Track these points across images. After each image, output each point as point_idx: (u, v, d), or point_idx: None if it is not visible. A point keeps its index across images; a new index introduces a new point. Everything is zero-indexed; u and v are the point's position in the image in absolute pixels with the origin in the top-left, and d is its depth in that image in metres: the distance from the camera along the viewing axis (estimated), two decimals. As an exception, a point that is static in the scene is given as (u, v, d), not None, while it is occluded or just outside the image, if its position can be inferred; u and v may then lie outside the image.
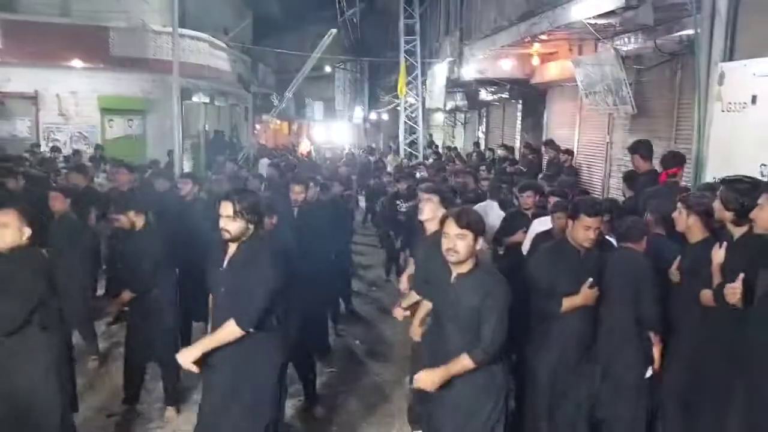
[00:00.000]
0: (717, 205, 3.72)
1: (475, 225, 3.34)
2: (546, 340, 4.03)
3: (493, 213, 6.70)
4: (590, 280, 3.91)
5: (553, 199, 6.02)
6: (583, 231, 3.89)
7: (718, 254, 3.61)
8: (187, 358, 3.46)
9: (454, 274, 3.40)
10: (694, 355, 3.82)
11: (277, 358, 3.71)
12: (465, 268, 3.38)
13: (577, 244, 3.97)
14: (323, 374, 6.00)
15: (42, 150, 13.70)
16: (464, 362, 3.27)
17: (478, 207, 7.00)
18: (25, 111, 16.42)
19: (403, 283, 5.04)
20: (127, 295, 5.01)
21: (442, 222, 3.42)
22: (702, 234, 3.90)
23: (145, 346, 5.05)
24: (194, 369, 3.47)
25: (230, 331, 3.43)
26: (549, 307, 3.96)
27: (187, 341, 6.13)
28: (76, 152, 13.16)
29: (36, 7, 16.22)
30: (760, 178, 4.07)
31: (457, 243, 3.30)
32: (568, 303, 3.91)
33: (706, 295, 3.64)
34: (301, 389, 5.37)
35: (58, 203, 5.99)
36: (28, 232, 3.57)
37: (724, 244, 3.61)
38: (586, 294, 3.92)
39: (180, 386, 5.33)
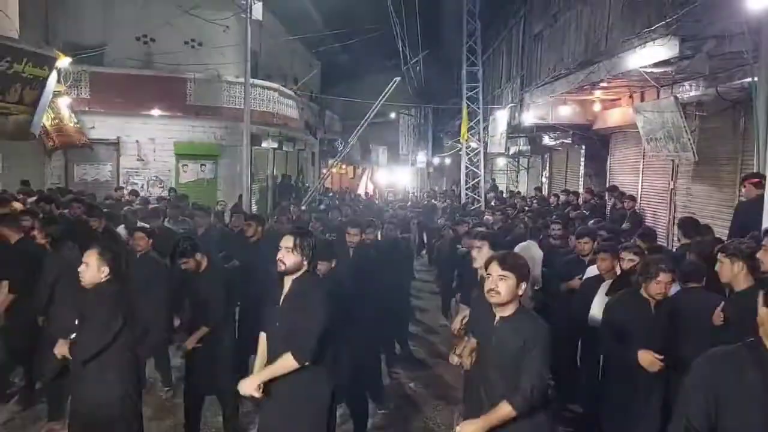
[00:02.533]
0: None
1: (519, 268, 3.35)
2: None
3: (535, 251, 6.81)
4: None
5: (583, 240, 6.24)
6: None
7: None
8: (247, 387, 3.66)
9: (497, 318, 3.41)
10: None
11: (327, 393, 3.85)
12: (507, 312, 3.38)
13: None
14: (376, 415, 6.09)
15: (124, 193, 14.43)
16: (505, 410, 3.19)
17: (520, 247, 7.12)
18: (108, 156, 17.50)
19: (456, 324, 4.95)
20: (202, 331, 5.17)
21: (487, 264, 3.46)
22: (747, 282, 3.86)
23: (204, 378, 5.22)
24: (256, 394, 3.65)
25: (287, 363, 3.59)
26: None
27: (244, 374, 6.37)
28: (161, 198, 13.87)
29: (121, 60, 17.41)
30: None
31: (499, 284, 3.31)
32: None
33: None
34: (352, 428, 5.47)
35: (142, 243, 6.41)
36: (106, 271, 3.98)
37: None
38: None
39: (239, 422, 5.50)
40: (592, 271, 5.92)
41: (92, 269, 3.97)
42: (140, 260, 6.33)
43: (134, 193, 14.38)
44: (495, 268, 3.36)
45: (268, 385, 3.69)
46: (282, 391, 3.71)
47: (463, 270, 7.49)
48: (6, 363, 6.20)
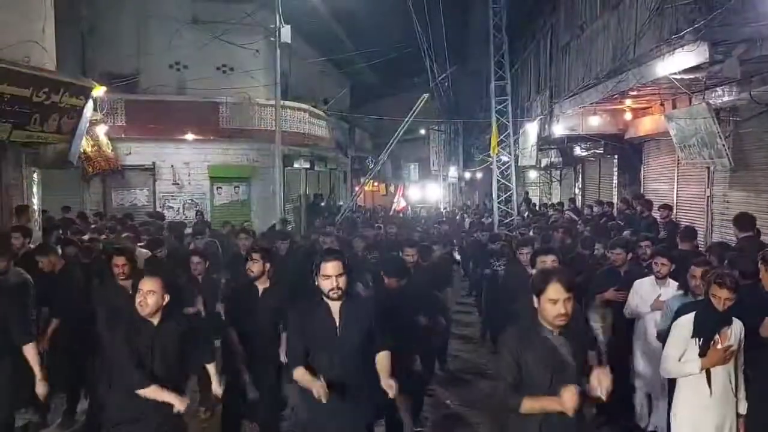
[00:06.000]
0: None
1: (575, 284, 3.27)
2: None
3: None
4: None
5: (661, 260, 5.66)
6: None
7: None
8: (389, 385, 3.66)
9: (554, 332, 3.27)
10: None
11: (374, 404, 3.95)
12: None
13: None
14: (413, 433, 6.06)
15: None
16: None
17: None
18: (144, 182, 17.88)
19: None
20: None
21: (544, 286, 3.22)
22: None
23: (242, 402, 5.15)
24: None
25: (388, 360, 3.77)
26: None
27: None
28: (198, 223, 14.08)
29: (155, 88, 17.84)
30: None
31: (568, 307, 3.17)
32: None
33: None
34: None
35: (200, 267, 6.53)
36: (167, 298, 3.97)
37: None
38: None
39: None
40: (647, 286, 5.74)
41: (158, 296, 3.91)
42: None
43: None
44: (561, 291, 3.17)
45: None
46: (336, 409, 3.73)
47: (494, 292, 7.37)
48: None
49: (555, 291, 3.16)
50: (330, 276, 3.68)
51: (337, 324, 3.74)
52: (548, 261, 4.58)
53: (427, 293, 6.50)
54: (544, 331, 3.27)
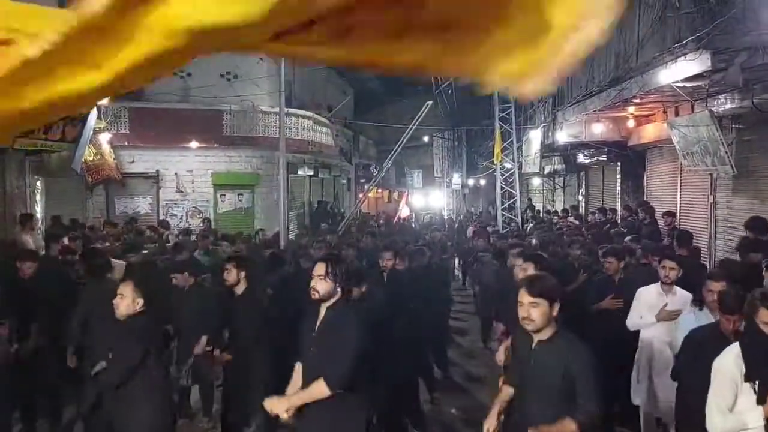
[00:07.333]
0: None
1: (549, 292, 3.34)
2: None
3: None
4: None
5: (669, 264, 5.29)
6: None
7: None
8: (275, 406, 3.61)
9: (535, 341, 3.41)
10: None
11: (361, 417, 3.83)
12: (545, 335, 3.37)
13: None
14: (416, 442, 6.05)
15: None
16: (569, 428, 3.13)
17: None
18: (147, 190, 17.89)
19: (500, 355, 4.63)
20: (226, 356, 5.31)
21: (518, 289, 3.45)
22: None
23: (239, 408, 5.23)
24: (284, 415, 3.60)
25: (319, 390, 3.56)
26: None
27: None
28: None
29: (160, 95, 17.88)
30: None
31: (531, 312, 3.30)
32: None
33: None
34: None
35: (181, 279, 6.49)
36: (140, 302, 4.03)
37: None
38: None
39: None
40: (654, 292, 5.39)
41: (127, 300, 4.04)
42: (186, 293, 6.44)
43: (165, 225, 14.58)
44: (525, 297, 3.35)
45: (302, 413, 3.69)
46: (316, 419, 3.71)
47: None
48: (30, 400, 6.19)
49: (521, 294, 3.38)
50: (312, 276, 3.77)
51: (316, 328, 3.77)
52: (528, 269, 4.61)
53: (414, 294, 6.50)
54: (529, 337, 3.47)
